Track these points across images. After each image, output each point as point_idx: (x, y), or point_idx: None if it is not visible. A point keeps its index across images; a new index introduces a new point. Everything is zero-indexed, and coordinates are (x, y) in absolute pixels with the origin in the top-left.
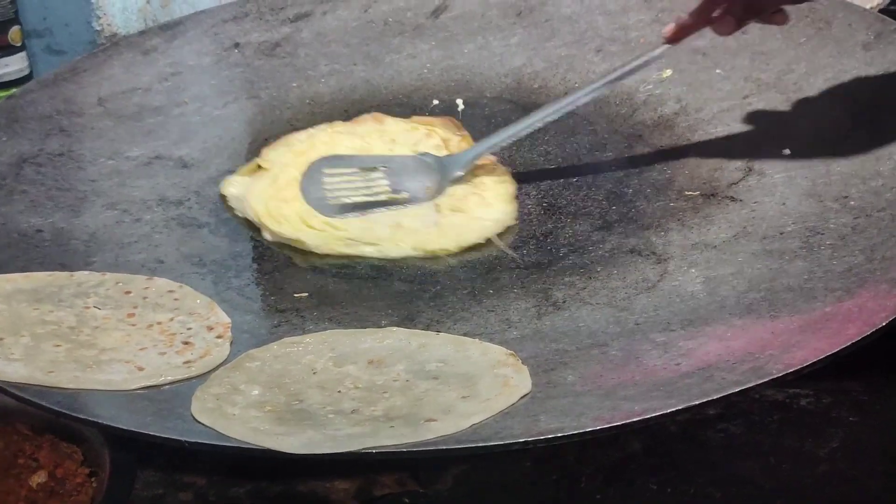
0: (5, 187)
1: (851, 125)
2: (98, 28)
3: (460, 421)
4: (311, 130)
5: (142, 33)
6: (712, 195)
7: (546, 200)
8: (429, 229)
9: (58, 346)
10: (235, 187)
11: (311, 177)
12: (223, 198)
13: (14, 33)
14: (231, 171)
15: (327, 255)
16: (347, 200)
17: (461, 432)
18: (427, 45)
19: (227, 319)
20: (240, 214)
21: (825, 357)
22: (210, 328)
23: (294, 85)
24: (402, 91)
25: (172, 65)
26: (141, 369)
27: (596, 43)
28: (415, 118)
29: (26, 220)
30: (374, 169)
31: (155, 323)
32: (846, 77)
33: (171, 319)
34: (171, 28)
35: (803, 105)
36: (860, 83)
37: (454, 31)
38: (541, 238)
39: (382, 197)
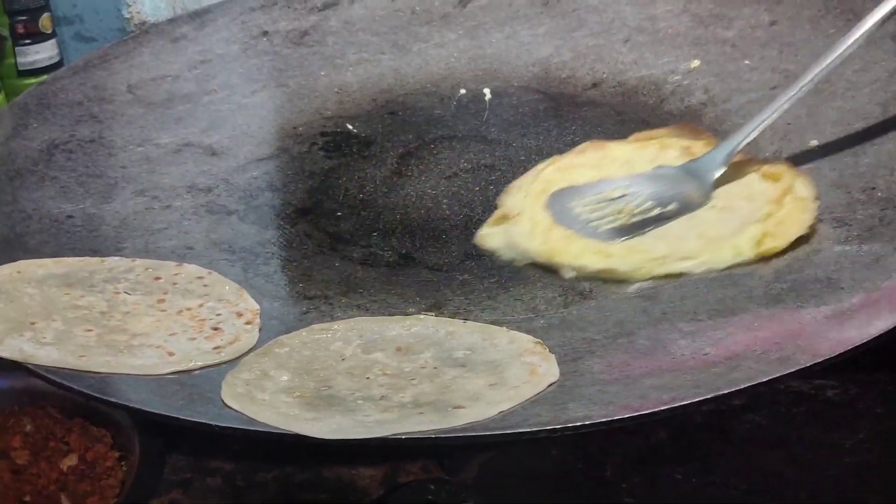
0: (37, 173)
1: (879, 116)
2: (127, 15)
3: (488, 408)
4: (535, 170)
5: (171, 21)
6: None
7: None
8: (740, 233)
9: (89, 330)
10: (497, 238)
11: (561, 213)
12: (490, 252)
13: (45, 20)
14: (259, 160)
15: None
16: (616, 224)
17: (489, 419)
18: (455, 34)
19: (256, 306)
20: (520, 263)
21: (853, 348)
22: (239, 314)
23: (322, 74)
24: (430, 80)
25: (201, 52)
26: (171, 354)
27: (624, 33)
28: (636, 135)
29: (57, 205)
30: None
31: (185, 309)
32: (875, 68)
33: (201, 305)
34: (199, 16)
35: (831, 96)
36: (889, 74)
37: (482, 20)
38: None
39: (653, 213)
